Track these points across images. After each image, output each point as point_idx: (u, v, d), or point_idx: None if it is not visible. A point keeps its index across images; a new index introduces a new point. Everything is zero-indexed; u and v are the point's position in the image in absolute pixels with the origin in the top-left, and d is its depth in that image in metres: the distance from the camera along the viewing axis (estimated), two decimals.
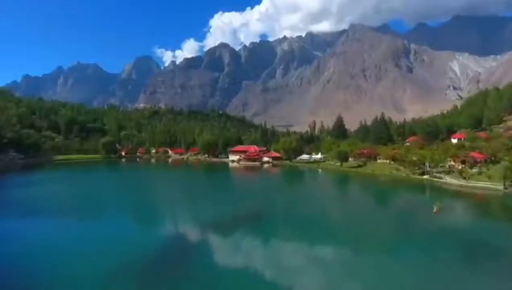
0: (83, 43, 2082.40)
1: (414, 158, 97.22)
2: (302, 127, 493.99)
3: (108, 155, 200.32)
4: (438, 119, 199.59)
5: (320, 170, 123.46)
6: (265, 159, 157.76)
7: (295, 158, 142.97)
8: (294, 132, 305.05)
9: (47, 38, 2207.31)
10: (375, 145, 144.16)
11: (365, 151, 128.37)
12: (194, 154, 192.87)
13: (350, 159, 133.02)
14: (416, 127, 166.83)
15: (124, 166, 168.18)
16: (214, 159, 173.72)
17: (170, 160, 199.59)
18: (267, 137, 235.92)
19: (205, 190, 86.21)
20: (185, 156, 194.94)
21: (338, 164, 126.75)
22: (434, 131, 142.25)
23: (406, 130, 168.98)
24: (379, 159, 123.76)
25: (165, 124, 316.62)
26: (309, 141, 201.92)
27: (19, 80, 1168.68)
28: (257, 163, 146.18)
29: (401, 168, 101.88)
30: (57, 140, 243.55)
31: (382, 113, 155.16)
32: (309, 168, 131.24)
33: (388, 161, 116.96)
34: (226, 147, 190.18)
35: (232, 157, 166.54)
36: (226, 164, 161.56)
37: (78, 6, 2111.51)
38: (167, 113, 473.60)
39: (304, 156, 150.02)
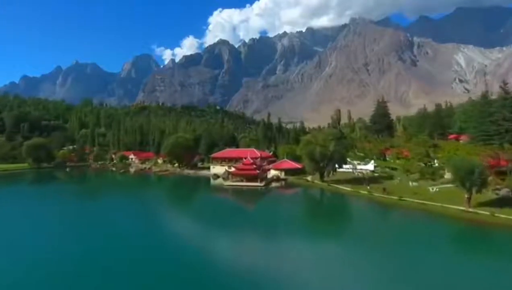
0: (82, 43, 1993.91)
1: None
2: (304, 124, 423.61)
3: (39, 164, 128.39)
4: None
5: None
6: (273, 172, 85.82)
7: (331, 172, 69.64)
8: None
9: (45, 39, 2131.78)
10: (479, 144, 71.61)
11: (494, 162, 55.67)
12: (164, 161, 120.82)
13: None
14: None
15: (36, 190, 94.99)
16: (188, 171, 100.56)
17: (132, 170, 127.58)
18: (272, 135, 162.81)
19: None
20: (148, 166, 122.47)
21: (434, 189, 55.02)
22: None
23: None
24: None
25: (145, 120, 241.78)
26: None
27: (17, 81, 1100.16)
28: (258, 185, 75.05)
29: None
30: None
31: (504, 84, 79.26)
32: (380, 202, 53.70)
33: None
34: (211, 150, 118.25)
35: (217, 168, 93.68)
36: (207, 180, 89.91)
37: (76, 6, 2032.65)
38: (157, 109, 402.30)
39: (345, 167, 77.88)
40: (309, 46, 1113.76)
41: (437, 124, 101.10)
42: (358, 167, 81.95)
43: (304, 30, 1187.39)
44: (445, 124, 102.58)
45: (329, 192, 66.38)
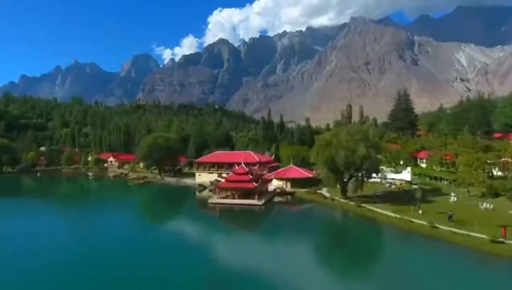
0: (81, 42, 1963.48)
1: None
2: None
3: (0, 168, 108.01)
4: None
5: None
6: (275, 182, 65.02)
7: (358, 187, 49.05)
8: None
9: (45, 38, 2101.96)
10: None
11: None
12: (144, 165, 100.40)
13: None
14: None
15: None
16: (168, 179, 79.45)
17: (111, 175, 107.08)
18: (273, 134, 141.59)
19: None
20: (125, 171, 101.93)
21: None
22: None
23: None
24: None
25: (136, 119, 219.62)
26: None
27: (16, 80, 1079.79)
28: (255, 203, 52.46)
29: None
30: None
31: None
32: (454, 244, 30.79)
33: None
34: (202, 153, 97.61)
35: (203, 176, 72.28)
36: (193, 191, 69.17)
37: (75, 5, 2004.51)
38: (153, 108, 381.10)
39: (373, 177, 56.94)
40: (309, 45, 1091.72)
41: (482, 120, 79.72)
42: (389, 176, 60.84)
43: (304, 29, 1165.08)
44: (490, 120, 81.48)
45: (358, 217, 45.05)
